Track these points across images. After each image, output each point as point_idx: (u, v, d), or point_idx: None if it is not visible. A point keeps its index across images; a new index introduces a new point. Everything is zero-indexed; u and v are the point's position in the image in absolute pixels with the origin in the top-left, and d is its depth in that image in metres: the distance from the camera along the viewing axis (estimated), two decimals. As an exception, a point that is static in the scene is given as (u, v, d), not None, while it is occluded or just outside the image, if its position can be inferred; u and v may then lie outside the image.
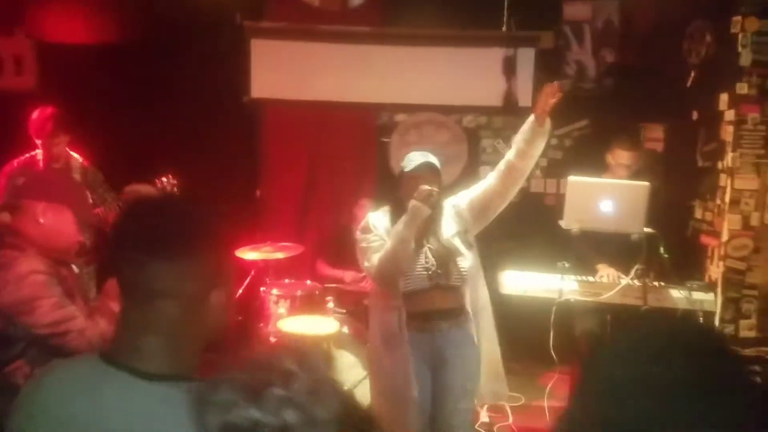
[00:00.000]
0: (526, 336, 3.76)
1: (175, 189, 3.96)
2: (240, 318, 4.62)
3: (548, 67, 5.14)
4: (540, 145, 2.90)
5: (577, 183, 3.23)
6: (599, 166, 3.95)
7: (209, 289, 1.10)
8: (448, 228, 2.90)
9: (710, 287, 3.85)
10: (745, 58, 3.78)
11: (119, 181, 4.18)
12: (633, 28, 5.07)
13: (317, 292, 4.38)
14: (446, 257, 2.83)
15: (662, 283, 3.59)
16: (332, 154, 5.29)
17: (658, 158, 5.04)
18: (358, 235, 2.96)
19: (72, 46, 4.93)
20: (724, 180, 3.94)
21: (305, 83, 5.14)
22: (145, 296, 1.07)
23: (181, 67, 4.72)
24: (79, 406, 1.03)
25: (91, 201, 3.16)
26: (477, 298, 2.95)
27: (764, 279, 3.89)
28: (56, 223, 2.01)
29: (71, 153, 4.08)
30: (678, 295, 3.58)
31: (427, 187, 2.72)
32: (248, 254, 4.26)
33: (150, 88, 4.73)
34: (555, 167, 5.28)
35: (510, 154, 2.91)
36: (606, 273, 3.69)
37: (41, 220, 1.99)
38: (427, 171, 2.81)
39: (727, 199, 3.88)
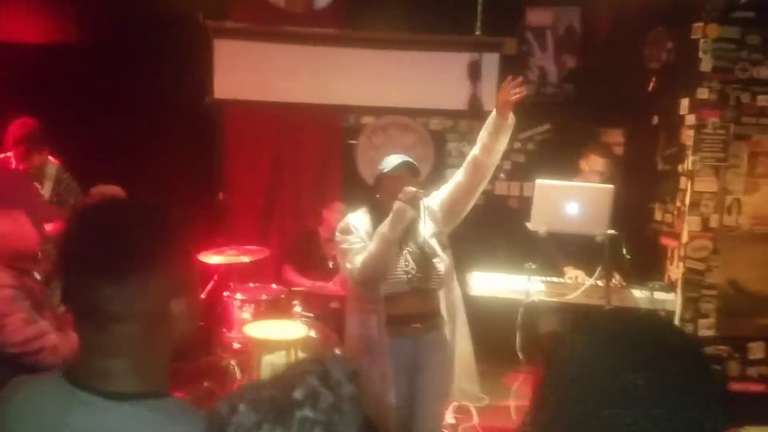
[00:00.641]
0: (493, 336, 3.77)
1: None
2: (203, 324, 4.53)
3: (512, 72, 5.14)
4: (504, 140, 2.90)
5: (544, 185, 3.26)
6: (561, 170, 3.99)
7: (167, 301, 1.03)
8: (425, 229, 2.90)
9: (670, 287, 3.94)
10: (706, 64, 3.88)
11: (76, 182, 4.08)
12: (594, 34, 5.17)
13: (283, 296, 4.31)
14: (425, 260, 2.83)
15: (624, 284, 3.66)
16: (297, 156, 5.24)
17: (617, 162, 5.14)
18: (338, 236, 2.93)
19: (25, 45, 4.76)
20: (684, 183, 4.03)
21: (269, 84, 5.08)
22: (101, 320, 0.99)
23: (142, 66, 4.61)
24: (45, 428, 0.98)
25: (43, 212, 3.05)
26: (452, 300, 2.95)
27: (723, 279, 3.99)
28: (13, 228, 1.90)
29: (48, 158, 3.97)
30: (640, 295, 3.65)
31: (412, 188, 2.72)
32: (211, 258, 4.17)
33: (109, 88, 4.60)
34: (518, 170, 5.35)
35: (475, 149, 2.92)
36: (574, 275, 3.74)
37: None
38: (406, 171, 2.82)
39: (687, 201, 3.97)
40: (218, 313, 4.39)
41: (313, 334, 3.97)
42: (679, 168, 4.08)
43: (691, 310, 3.98)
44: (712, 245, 3.97)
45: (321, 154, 5.26)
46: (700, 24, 3.88)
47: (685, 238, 3.98)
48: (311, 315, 4.26)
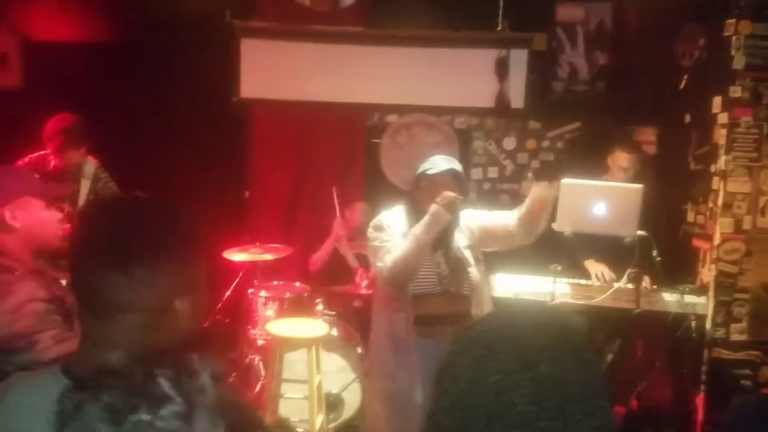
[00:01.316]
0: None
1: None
2: (227, 320, 4.56)
3: (541, 69, 5.12)
4: (549, 205, 2.95)
5: (570, 185, 3.19)
6: (591, 169, 3.92)
7: (172, 298, 1.03)
8: (461, 239, 2.89)
9: (702, 290, 3.84)
10: (738, 62, 3.76)
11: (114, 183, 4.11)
12: (626, 31, 5.06)
13: (306, 294, 4.32)
14: (458, 265, 2.81)
15: (654, 287, 3.58)
16: (321, 155, 5.24)
17: (649, 161, 5.03)
18: (371, 233, 2.91)
19: (58, 43, 4.85)
20: (716, 183, 3.92)
21: (295, 83, 5.09)
22: (103, 309, 1.00)
23: (169, 66, 4.66)
24: (40, 426, 0.97)
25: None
26: (482, 312, 2.89)
27: (755, 282, 3.87)
28: (31, 219, 1.79)
29: (87, 158, 3.93)
30: (670, 299, 3.57)
31: (451, 193, 2.70)
32: (236, 256, 4.20)
33: (137, 88, 4.65)
34: (546, 170, 5.26)
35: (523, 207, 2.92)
36: (595, 270, 3.67)
37: (15, 225, 1.77)
38: (450, 177, 2.79)
39: (720, 202, 3.86)
40: (243, 310, 4.42)
41: (335, 332, 3.97)
42: (712, 168, 3.97)
43: (722, 314, 3.87)
44: (745, 247, 3.85)
45: (345, 153, 5.26)
46: (733, 21, 3.77)
47: (717, 240, 3.87)
48: (333, 313, 4.27)
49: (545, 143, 5.30)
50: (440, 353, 2.84)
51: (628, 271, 3.39)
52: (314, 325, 3.73)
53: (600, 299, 3.45)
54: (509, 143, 5.32)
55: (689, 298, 3.60)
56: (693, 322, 3.57)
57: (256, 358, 4.16)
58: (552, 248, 3.60)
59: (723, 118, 3.86)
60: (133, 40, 4.77)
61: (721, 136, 3.88)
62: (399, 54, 5.09)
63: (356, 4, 5.08)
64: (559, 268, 3.43)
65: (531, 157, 5.32)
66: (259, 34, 5.04)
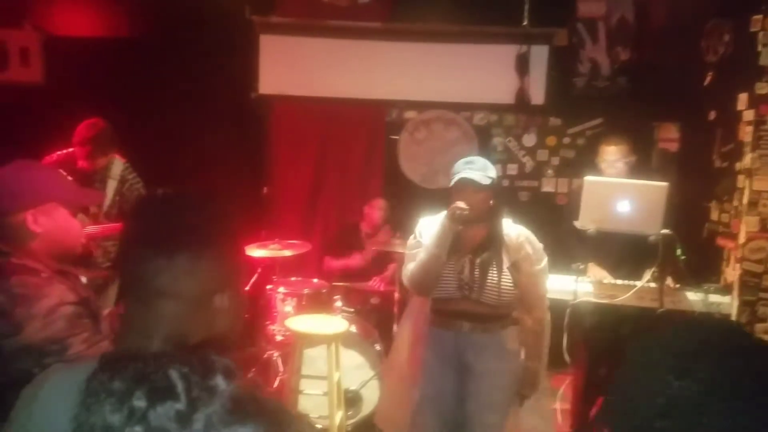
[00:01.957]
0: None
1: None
2: (246, 316, 4.57)
3: (561, 65, 5.07)
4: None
5: (594, 183, 3.15)
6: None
7: (212, 291, 1.06)
8: (504, 257, 2.70)
9: (727, 290, 3.78)
10: (765, 58, 3.68)
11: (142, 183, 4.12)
12: (648, 26, 4.99)
13: (325, 291, 4.32)
14: (483, 274, 2.68)
15: (678, 286, 3.52)
16: (340, 150, 5.23)
17: (671, 158, 4.96)
18: (410, 239, 2.85)
19: (79, 39, 4.88)
20: (741, 181, 3.85)
21: (314, 79, 5.08)
22: (146, 295, 1.03)
23: (188, 61, 4.67)
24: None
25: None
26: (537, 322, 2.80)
27: (782, 282, 3.80)
28: (54, 224, 1.76)
29: (116, 157, 3.91)
30: (694, 298, 3.52)
31: (459, 204, 2.60)
32: (255, 252, 4.20)
33: (157, 83, 4.67)
34: (567, 167, 5.22)
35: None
36: (598, 275, 3.60)
37: (37, 230, 1.73)
38: (466, 186, 2.62)
39: (745, 200, 3.79)
40: (262, 306, 4.43)
41: (353, 329, 3.96)
42: (737, 166, 3.90)
43: (747, 313, 3.80)
44: (772, 247, 3.78)
45: (364, 149, 5.25)
46: (760, 16, 3.69)
47: (742, 238, 3.81)
48: (352, 310, 4.26)
49: (566, 140, 5.25)
50: (455, 347, 2.80)
51: (652, 269, 3.34)
52: (334, 322, 3.72)
53: (623, 298, 3.40)
54: (529, 140, 5.28)
55: (713, 298, 3.54)
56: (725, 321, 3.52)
57: (275, 354, 4.17)
58: (572, 246, 3.57)
59: (749, 115, 3.79)
60: (153, 36, 4.79)
61: (746, 133, 3.81)
62: (418, 49, 5.06)
63: (376, 0, 5.07)
64: (582, 266, 3.39)
65: (551, 154, 5.28)
66: (278, 30, 5.04)
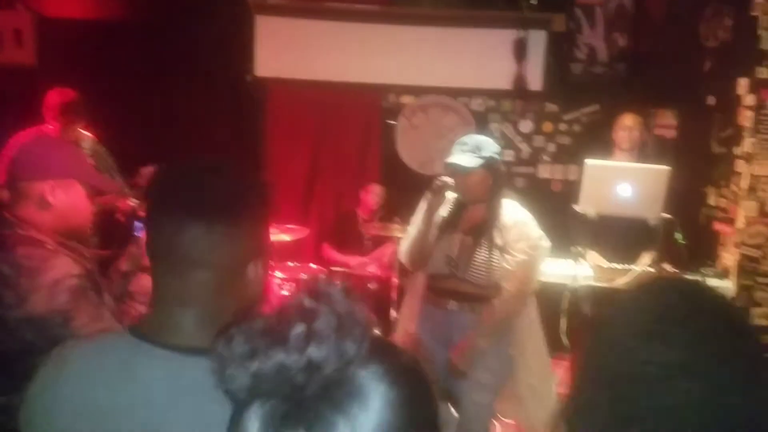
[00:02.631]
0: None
1: None
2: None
3: (559, 50, 5.04)
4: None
5: (594, 166, 3.14)
6: (609, 153, 3.86)
7: (247, 260, 1.03)
8: (497, 238, 2.68)
9: (724, 274, 3.80)
10: (766, 42, 3.69)
11: (115, 160, 4.09)
12: (646, 12, 4.96)
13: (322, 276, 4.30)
14: (468, 251, 2.69)
15: (676, 270, 3.53)
16: (337, 135, 5.19)
17: (668, 144, 4.96)
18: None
19: (72, 20, 4.80)
20: (740, 166, 3.86)
21: (310, 62, 5.03)
22: (180, 264, 0.99)
23: (183, 43, 4.60)
24: (113, 387, 0.95)
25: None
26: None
27: (779, 267, 3.82)
28: (68, 200, 1.74)
29: (83, 132, 3.97)
30: (692, 283, 3.52)
31: (440, 179, 2.64)
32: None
33: (151, 65, 4.61)
34: (563, 153, 5.21)
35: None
36: (595, 262, 3.60)
37: (52, 202, 1.71)
38: (452, 173, 2.63)
39: (744, 185, 3.81)
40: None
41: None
42: (736, 151, 3.91)
43: (744, 298, 3.82)
44: (769, 232, 3.80)
45: (360, 134, 5.21)
46: (761, 0, 3.70)
47: (740, 223, 3.82)
48: (350, 295, 4.24)
49: (562, 126, 5.23)
50: (444, 324, 2.80)
51: (649, 253, 3.35)
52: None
53: (621, 281, 3.41)
54: (525, 126, 5.26)
55: (711, 282, 3.55)
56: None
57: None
58: (569, 231, 3.56)
59: (749, 99, 3.80)
60: (146, 18, 4.72)
61: (746, 118, 3.82)
62: (416, 33, 5.01)
63: (374, -18, 5.02)
64: (581, 250, 3.38)
65: (547, 140, 5.26)
66: (274, 11, 4.98)
